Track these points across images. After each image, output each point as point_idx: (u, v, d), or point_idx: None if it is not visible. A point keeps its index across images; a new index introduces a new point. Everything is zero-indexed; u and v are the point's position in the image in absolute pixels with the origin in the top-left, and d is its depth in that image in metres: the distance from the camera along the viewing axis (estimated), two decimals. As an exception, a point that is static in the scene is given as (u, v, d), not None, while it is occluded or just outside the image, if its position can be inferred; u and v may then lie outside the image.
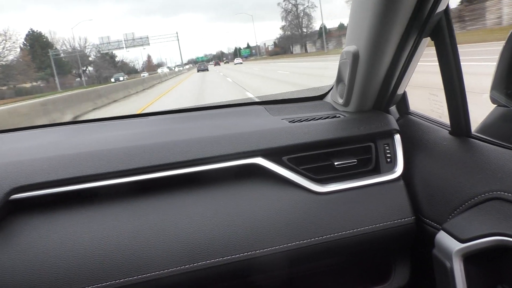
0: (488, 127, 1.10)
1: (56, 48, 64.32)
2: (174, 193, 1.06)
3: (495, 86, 1.09)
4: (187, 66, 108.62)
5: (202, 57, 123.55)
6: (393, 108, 1.35)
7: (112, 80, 46.28)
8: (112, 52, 74.57)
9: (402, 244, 1.18)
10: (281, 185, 1.11)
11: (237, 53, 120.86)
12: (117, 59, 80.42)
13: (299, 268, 1.13)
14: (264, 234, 1.03)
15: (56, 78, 59.14)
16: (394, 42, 1.04)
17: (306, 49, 69.53)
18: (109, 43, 68.86)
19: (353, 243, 1.08)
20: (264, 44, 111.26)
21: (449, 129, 1.11)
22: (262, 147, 1.12)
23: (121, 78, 46.86)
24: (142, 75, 55.78)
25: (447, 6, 0.95)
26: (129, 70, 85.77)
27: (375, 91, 1.22)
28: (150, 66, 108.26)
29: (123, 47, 69.14)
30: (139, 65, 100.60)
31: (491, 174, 0.93)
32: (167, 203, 1.04)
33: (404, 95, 1.32)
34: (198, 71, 48.30)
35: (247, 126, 1.22)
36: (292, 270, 1.13)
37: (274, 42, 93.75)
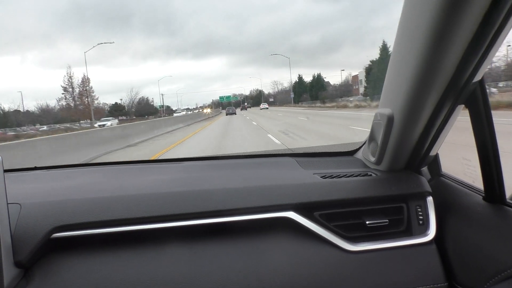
0: None
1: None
2: (207, 242, 1.09)
3: None
4: (196, 110, 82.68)
5: (228, 97, 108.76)
6: (425, 169, 1.36)
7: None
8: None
9: None
10: (312, 241, 1.11)
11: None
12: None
13: None
14: None
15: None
16: (430, 109, 1.07)
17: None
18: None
19: None
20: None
21: (483, 194, 1.10)
22: (294, 202, 1.14)
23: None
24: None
25: (482, 77, 0.99)
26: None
27: (408, 152, 1.23)
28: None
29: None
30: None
31: None
32: (199, 252, 1.07)
33: (436, 156, 1.33)
34: (226, 114, 52.68)
35: (280, 179, 1.25)
36: None
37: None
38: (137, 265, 1.02)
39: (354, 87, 74.86)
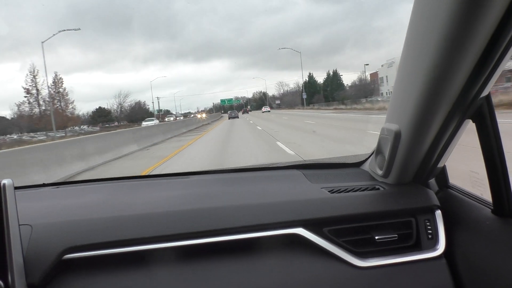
0: None
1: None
2: (216, 260, 1.09)
3: None
4: (192, 115, 66.68)
5: (230, 100, 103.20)
6: (432, 181, 1.35)
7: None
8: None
9: None
10: (321, 257, 1.11)
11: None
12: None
13: None
14: None
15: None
16: (437, 125, 1.06)
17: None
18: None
19: None
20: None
21: (492, 207, 1.09)
22: (304, 218, 1.14)
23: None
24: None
25: (489, 92, 0.98)
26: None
27: (416, 166, 1.23)
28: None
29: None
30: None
31: None
32: (209, 270, 1.07)
33: (444, 168, 1.32)
34: (229, 118, 52.10)
35: (288, 194, 1.26)
36: None
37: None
38: (149, 285, 1.02)
39: (372, 86, 69.63)
